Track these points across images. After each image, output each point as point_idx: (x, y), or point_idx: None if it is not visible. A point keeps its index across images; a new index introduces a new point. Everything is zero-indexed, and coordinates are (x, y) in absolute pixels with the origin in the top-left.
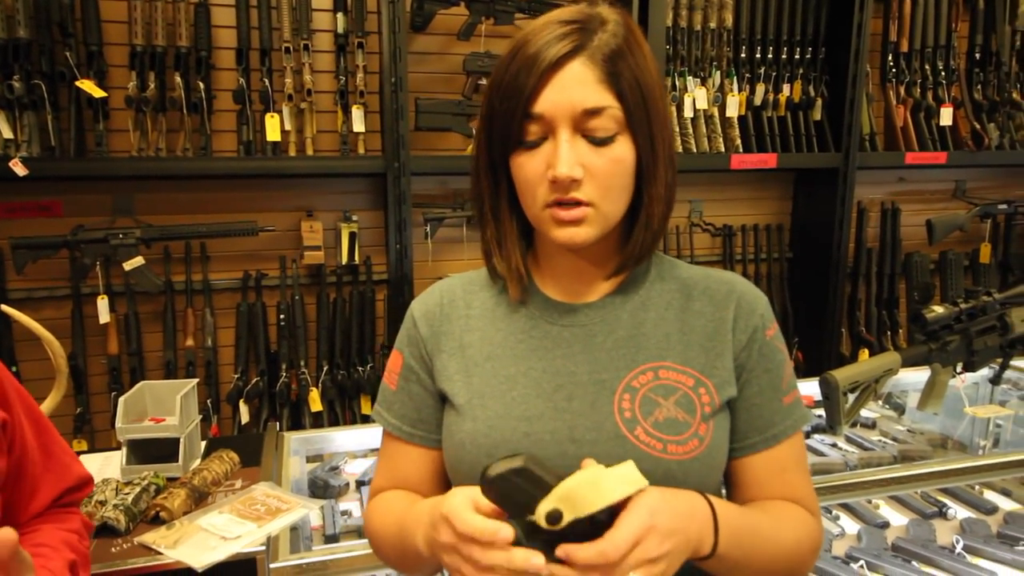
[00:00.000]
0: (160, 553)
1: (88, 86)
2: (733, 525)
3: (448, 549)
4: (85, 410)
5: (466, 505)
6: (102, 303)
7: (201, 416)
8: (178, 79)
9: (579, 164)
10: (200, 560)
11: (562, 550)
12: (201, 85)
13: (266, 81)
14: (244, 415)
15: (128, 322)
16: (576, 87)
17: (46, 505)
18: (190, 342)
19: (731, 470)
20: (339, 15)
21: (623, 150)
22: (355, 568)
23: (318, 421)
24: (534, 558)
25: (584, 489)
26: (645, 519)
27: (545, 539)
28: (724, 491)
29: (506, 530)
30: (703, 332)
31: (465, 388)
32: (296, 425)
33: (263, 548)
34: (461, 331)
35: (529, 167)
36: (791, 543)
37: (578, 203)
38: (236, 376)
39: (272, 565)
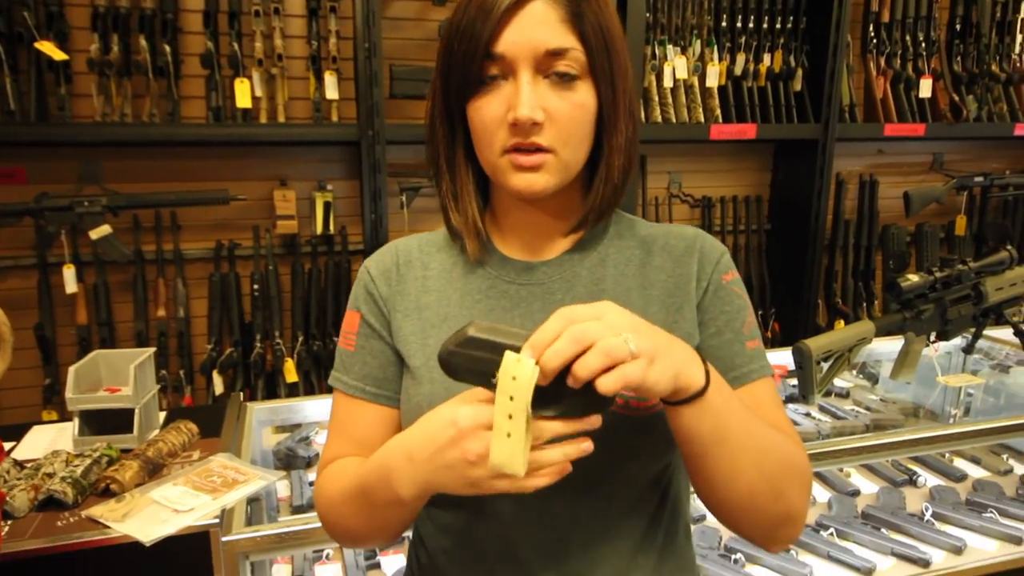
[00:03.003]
0: (107, 527)
1: (48, 48)
2: (720, 380)
3: (463, 462)
4: (54, 381)
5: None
6: (68, 272)
7: (168, 386)
8: (143, 42)
9: (540, 107)
10: (149, 534)
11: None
12: (167, 48)
13: (235, 45)
14: (218, 386)
15: (97, 292)
16: (538, 27)
17: None
18: (161, 312)
19: None
20: None
21: (585, 95)
22: (313, 540)
23: (294, 391)
24: (584, 444)
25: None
26: (596, 304)
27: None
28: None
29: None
30: (663, 288)
31: (421, 350)
32: (271, 396)
33: (217, 521)
34: (418, 292)
35: (487, 110)
36: (782, 443)
37: (538, 148)
38: (210, 347)
39: (225, 538)
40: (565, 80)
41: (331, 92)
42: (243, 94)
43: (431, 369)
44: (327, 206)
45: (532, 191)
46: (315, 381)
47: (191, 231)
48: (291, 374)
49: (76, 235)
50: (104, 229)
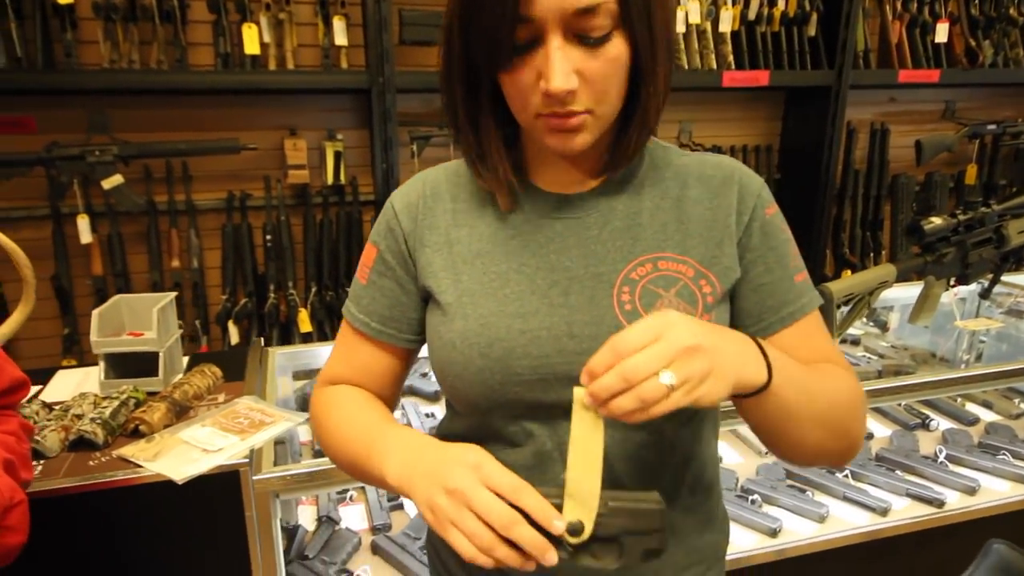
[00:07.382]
0: (139, 466)
1: None
2: (781, 360)
3: (457, 495)
4: (73, 331)
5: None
6: (83, 223)
7: (185, 335)
8: None
9: (573, 72)
10: (180, 472)
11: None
12: None
13: None
14: (234, 336)
15: (111, 243)
16: None
17: None
18: (176, 263)
19: None
20: None
21: (618, 48)
22: (340, 479)
23: (307, 341)
24: (550, 553)
25: (575, 476)
26: (655, 321)
27: (587, 549)
28: None
29: (560, 522)
30: (701, 221)
31: (453, 286)
32: (286, 345)
33: (246, 460)
34: (448, 226)
35: (519, 76)
36: (840, 389)
37: (573, 113)
38: (224, 297)
39: (255, 477)
40: (598, 41)
41: (340, 38)
42: (251, 40)
43: (464, 305)
44: (337, 156)
45: (571, 152)
46: (328, 331)
47: (202, 181)
48: (305, 324)
49: (88, 185)
50: (116, 179)
